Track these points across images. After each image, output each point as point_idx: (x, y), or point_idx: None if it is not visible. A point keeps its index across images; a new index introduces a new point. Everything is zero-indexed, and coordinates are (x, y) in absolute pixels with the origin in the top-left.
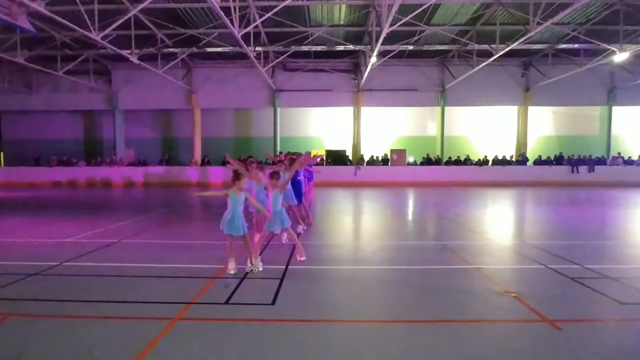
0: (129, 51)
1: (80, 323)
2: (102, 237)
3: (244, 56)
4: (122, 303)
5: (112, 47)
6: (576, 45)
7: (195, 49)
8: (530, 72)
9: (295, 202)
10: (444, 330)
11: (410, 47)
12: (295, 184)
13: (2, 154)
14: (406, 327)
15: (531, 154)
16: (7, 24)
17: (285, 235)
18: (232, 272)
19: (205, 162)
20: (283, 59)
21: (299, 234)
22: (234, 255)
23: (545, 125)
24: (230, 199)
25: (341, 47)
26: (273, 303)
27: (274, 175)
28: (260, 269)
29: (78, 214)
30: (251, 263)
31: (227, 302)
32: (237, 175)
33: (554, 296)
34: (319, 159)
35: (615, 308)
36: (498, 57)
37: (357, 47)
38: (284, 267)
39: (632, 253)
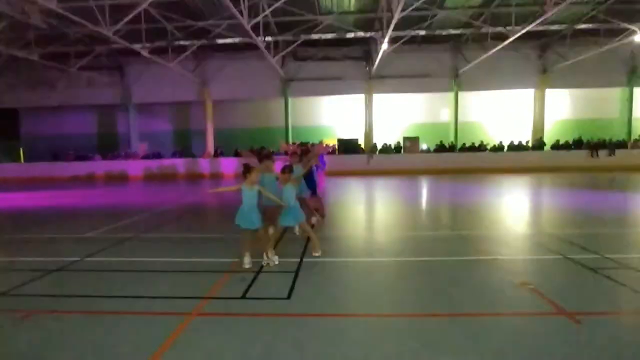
0: (140, 45)
1: (103, 319)
2: (120, 231)
3: (254, 47)
4: (142, 298)
5: (124, 41)
6: (595, 25)
7: (205, 41)
8: (547, 54)
9: (309, 193)
10: (461, 323)
11: (422, 33)
12: (308, 174)
13: (21, 150)
14: (423, 320)
15: (548, 138)
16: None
17: (314, 219)
18: (247, 265)
19: (218, 154)
20: (293, 48)
21: (312, 226)
22: (249, 249)
23: (562, 108)
24: (243, 193)
25: (351, 35)
26: (289, 297)
27: (286, 170)
28: (276, 262)
29: (95, 208)
30: (267, 257)
31: (243, 297)
32: (247, 169)
33: (572, 288)
34: (330, 149)
35: (636, 300)
36: (514, 39)
37: (368, 34)
38: (299, 260)
39: None
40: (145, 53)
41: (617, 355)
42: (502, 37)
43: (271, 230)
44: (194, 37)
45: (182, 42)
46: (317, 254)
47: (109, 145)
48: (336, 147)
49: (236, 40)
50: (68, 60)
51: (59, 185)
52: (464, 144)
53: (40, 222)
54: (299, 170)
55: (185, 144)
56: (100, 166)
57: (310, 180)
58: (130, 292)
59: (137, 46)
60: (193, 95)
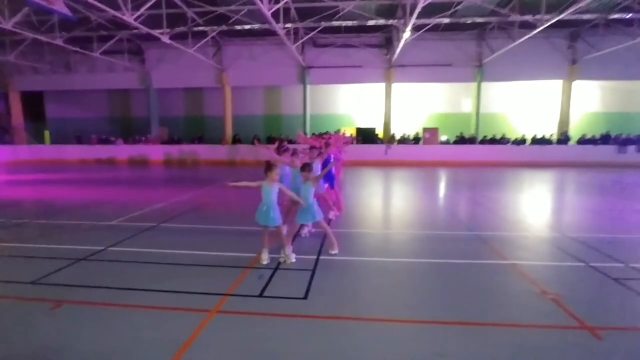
0: (160, 31)
1: (126, 312)
2: (143, 220)
3: (273, 33)
4: (164, 292)
5: (144, 27)
6: (630, 15)
7: (225, 27)
8: (577, 44)
9: (325, 187)
10: (476, 333)
11: (446, 21)
12: (325, 167)
13: (47, 132)
14: (438, 328)
15: (575, 132)
16: (44, 9)
17: (305, 230)
18: (265, 262)
19: (236, 141)
20: (313, 35)
21: (330, 221)
22: (268, 245)
23: (591, 101)
24: (264, 191)
25: (373, 22)
26: (305, 297)
27: (306, 168)
28: (293, 260)
29: (118, 194)
30: (284, 254)
31: (261, 295)
32: (269, 167)
33: (595, 299)
34: (350, 140)
35: None
36: (542, 29)
37: (390, 22)
38: (315, 257)
39: None
40: (165, 39)
41: None
42: (530, 26)
43: (285, 229)
44: (213, 22)
45: (201, 28)
46: (334, 252)
47: (128, 129)
48: (353, 137)
49: (255, 26)
50: (90, 45)
51: (84, 169)
52: (485, 136)
53: (64, 208)
54: (318, 167)
55: (203, 130)
56: (122, 150)
57: (327, 174)
58: (153, 285)
59: (157, 32)
60: (212, 81)
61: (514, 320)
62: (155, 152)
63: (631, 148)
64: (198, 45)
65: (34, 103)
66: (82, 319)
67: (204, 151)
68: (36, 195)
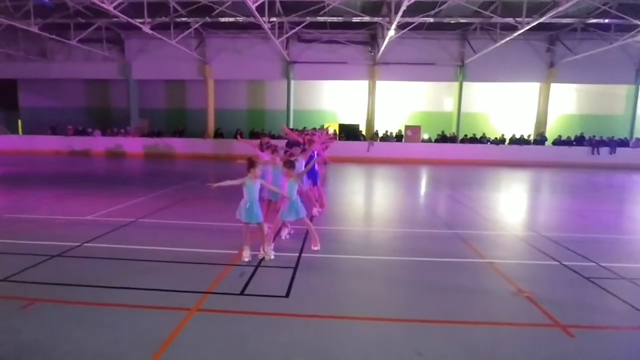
0: (141, 20)
1: (105, 311)
2: (120, 215)
3: (258, 26)
4: (142, 290)
5: (124, 16)
6: (607, 20)
7: (208, 19)
8: (556, 47)
9: (309, 185)
10: (455, 331)
11: (431, 20)
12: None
13: (20, 121)
14: (417, 326)
15: (551, 133)
16: None
17: (285, 231)
18: (246, 259)
19: (218, 135)
20: (298, 30)
21: (312, 217)
22: (250, 242)
23: (567, 103)
24: (247, 188)
25: (358, 19)
26: (287, 295)
27: (288, 164)
28: (272, 257)
29: (95, 188)
30: (264, 250)
31: (242, 293)
32: (251, 163)
33: (568, 298)
34: (334, 137)
35: (630, 314)
36: (523, 31)
37: (375, 19)
38: (297, 255)
39: None
40: (146, 29)
41: None
42: (511, 28)
43: (265, 226)
44: (196, 14)
45: (184, 19)
46: (316, 248)
47: (107, 120)
48: (337, 132)
49: (240, 19)
50: (67, 33)
51: (58, 161)
52: (466, 135)
53: (38, 202)
54: (302, 164)
55: (185, 123)
56: (100, 142)
57: (310, 171)
58: (131, 282)
59: (138, 21)
60: (194, 73)
61: (491, 319)
62: (135, 145)
63: (604, 150)
64: (181, 36)
65: (6, 91)
66: (57, 318)
67: (185, 145)
68: (7, 188)
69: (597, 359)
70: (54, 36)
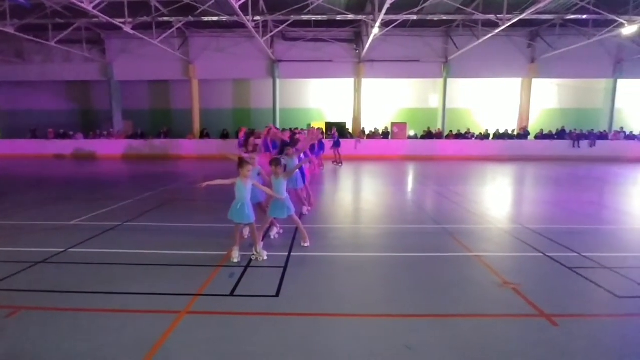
0: (122, 20)
1: (92, 317)
2: (106, 219)
3: (242, 25)
4: (131, 295)
5: (104, 15)
6: (585, 16)
7: (191, 18)
8: (536, 43)
9: (302, 184)
10: (444, 325)
11: (414, 17)
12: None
13: None
14: (407, 321)
15: (534, 127)
16: None
17: (274, 231)
18: (236, 260)
19: (204, 135)
20: (282, 28)
21: (302, 215)
22: (239, 243)
23: (548, 98)
24: (237, 188)
25: (342, 17)
26: (277, 295)
27: (274, 163)
28: (265, 257)
29: (79, 192)
30: (256, 251)
31: (232, 294)
32: (241, 163)
33: (552, 288)
34: (320, 136)
35: (612, 302)
36: (504, 28)
37: (359, 17)
38: (287, 254)
39: (629, 239)
40: (127, 29)
41: (593, 358)
42: (493, 24)
43: (246, 232)
44: (179, 13)
45: (166, 18)
46: (306, 244)
47: (89, 122)
48: (323, 131)
49: (223, 18)
50: (45, 34)
51: (39, 165)
52: (451, 131)
53: (20, 207)
54: (292, 163)
55: (170, 124)
56: (82, 145)
57: (299, 170)
58: (119, 287)
59: (118, 21)
60: (178, 73)
61: (478, 311)
62: (118, 147)
63: (584, 143)
64: (163, 36)
65: None
66: (43, 326)
67: (171, 146)
68: None
69: (580, 346)
70: (31, 37)
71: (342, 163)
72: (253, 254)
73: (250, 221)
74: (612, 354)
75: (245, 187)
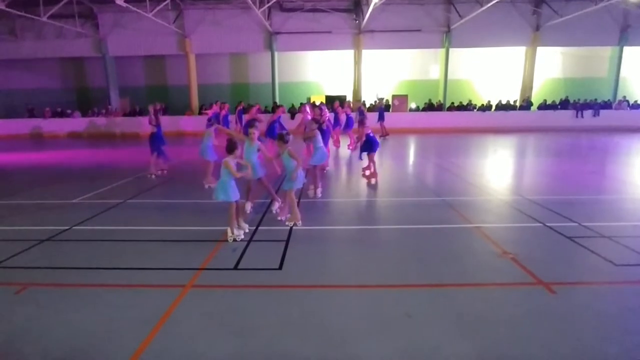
0: None
1: (98, 292)
2: (108, 197)
3: None
4: (135, 270)
5: None
6: None
7: None
8: (541, 9)
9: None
10: (443, 294)
11: None
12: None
13: None
14: (407, 291)
15: (537, 97)
16: None
17: (276, 205)
18: (237, 237)
19: (202, 111)
20: None
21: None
22: (245, 218)
23: (552, 67)
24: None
25: None
26: (280, 267)
27: (280, 139)
28: (242, 236)
29: (80, 170)
30: (231, 231)
31: (236, 267)
32: (232, 146)
33: (550, 257)
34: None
35: (609, 270)
36: None
37: None
38: (289, 228)
39: (629, 209)
40: (120, 1)
41: (589, 324)
42: None
43: (249, 206)
44: None
45: None
46: (290, 223)
47: (86, 100)
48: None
49: None
50: (36, 9)
51: (38, 144)
52: (453, 102)
53: (24, 186)
54: (319, 138)
55: (167, 100)
56: (80, 124)
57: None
58: (123, 263)
59: None
60: (173, 48)
61: (477, 280)
62: (117, 125)
63: (587, 113)
64: (157, 9)
65: None
66: (50, 302)
67: (168, 123)
68: None
69: (576, 312)
70: (22, 13)
71: (388, 134)
72: (248, 208)
73: (232, 199)
74: (608, 319)
75: (252, 148)
